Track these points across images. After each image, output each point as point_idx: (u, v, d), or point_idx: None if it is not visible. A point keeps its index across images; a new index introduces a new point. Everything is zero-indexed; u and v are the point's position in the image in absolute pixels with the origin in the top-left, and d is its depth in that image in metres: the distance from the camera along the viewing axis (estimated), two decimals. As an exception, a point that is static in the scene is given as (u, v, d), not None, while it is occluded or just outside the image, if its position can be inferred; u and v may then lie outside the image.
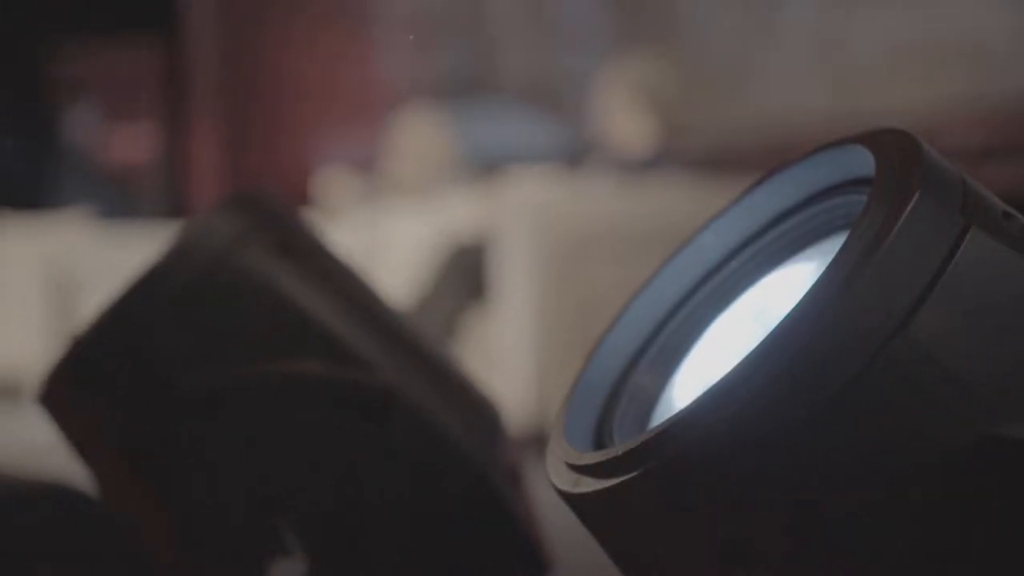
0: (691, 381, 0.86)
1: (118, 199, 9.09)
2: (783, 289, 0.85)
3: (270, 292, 1.18)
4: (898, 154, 0.77)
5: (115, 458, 1.20)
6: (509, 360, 4.15)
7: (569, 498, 0.79)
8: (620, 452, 0.76)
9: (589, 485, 0.77)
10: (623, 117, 4.63)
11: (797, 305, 0.73)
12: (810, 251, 0.85)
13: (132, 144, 9.75)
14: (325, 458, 1.16)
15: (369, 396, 1.15)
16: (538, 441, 3.96)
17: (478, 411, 1.22)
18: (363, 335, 1.19)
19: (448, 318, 4.44)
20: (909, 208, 0.73)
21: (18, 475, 1.59)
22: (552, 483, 0.81)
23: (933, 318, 0.72)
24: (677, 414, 0.74)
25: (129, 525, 1.25)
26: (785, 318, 0.73)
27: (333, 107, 8.78)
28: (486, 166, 5.57)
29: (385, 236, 5.00)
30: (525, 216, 4.18)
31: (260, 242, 1.19)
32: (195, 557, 1.19)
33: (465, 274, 4.54)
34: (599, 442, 0.85)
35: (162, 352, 1.16)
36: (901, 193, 0.74)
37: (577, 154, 5.26)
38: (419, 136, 5.57)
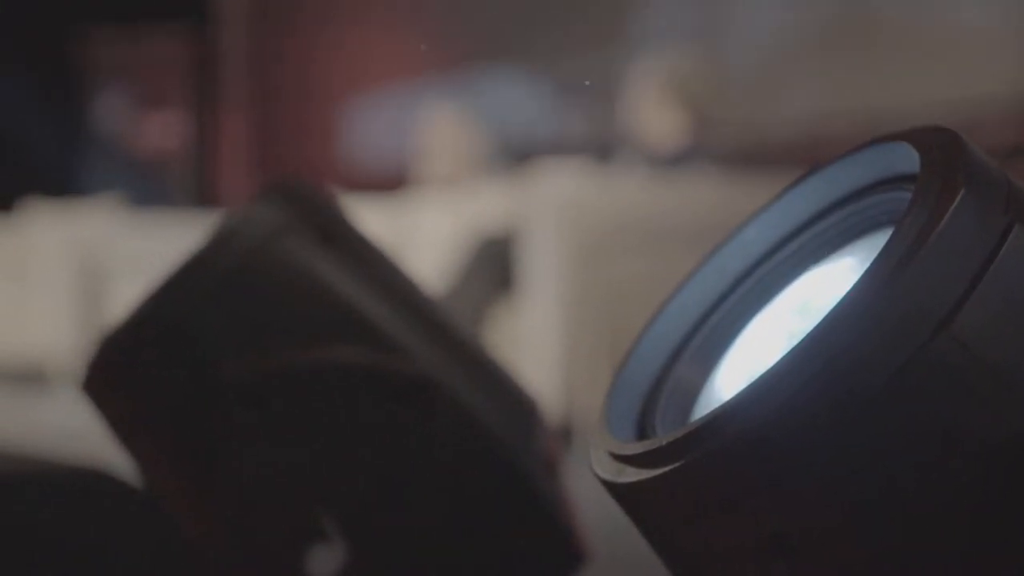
0: (734, 374, 0.87)
1: (148, 187, 9.12)
2: (826, 284, 0.86)
3: (312, 280, 1.19)
4: (942, 151, 0.78)
5: (156, 445, 1.22)
6: (536, 352, 4.16)
7: (613, 487, 0.80)
8: (665, 442, 0.76)
9: (633, 475, 0.78)
10: (654, 111, 4.64)
11: (842, 300, 0.74)
12: (853, 247, 0.86)
13: (163, 132, 9.78)
14: (365, 446, 1.17)
15: (409, 385, 1.16)
16: (565, 432, 3.97)
17: (516, 401, 1.23)
18: (403, 324, 1.20)
19: (476, 310, 4.45)
20: (954, 205, 0.74)
21: (51, 460, 1.60)
22: (595, 472, 0.82)
23: (976, 314, 0.73)
24: (722, 406, 0.75)
25: (169, 511, 1.26)
26: (830, 313, 0.74)
27: (361, 97, 8.79)
28: (513, 155, 5.57)
29: (414, 228, 5.01)
30: (553, 209, 4.19)
31: (301, 231, 1.20)
32: (235, 543, 1.20)
33: (493, 266, 4.55)
34: (641, 433, 0.86)
35: (204, 340, 1.18)
36: (946, 190, 0.75)
37: (607, 147, 5.26)
38: (448, 129, 5.58)
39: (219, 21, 9.35)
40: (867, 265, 0.76)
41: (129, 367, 1.19)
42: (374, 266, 1.24)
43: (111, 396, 1.22)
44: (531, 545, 1.21)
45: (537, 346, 4.16)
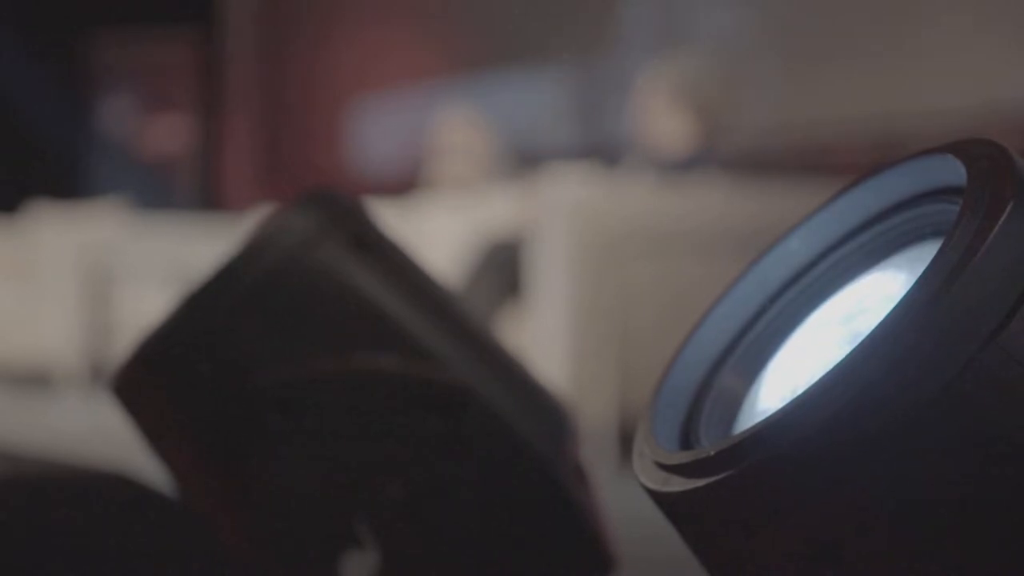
0: (777, 384, 0.87)
1: (154, 189, 9.13)
2: (870, 295, 0.86)
3: (346, 288, 1.19)
4: (990, 164, 0.78)
5: (189, 451, 1.22)
6: (544, 358, 4.16)
7: (659, 496, 0.80)
8: (712, 452, 0.77)
9: (679, 484, 0.78)
10: (663, 116, 4.64)
11: (891, 312, 0.74)
12: (897, 258, 0.86)
13: (169, 135, 9.79)
14: (398, 453, 1.17)
15: (443, 392, 1.17)
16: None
17: (547, 409, 1.23)
18: (437, 332, 1.20)
19: (484, 314, 4.45)
20: (1004, 217, 0.74)
21: (73, 464, 1.61)
22: (641, 482, 0.82)
23: (1025, 327, 0.73)
24: (770, 416, 0.75)
25: (201, 517, 1.26)
26: (879, 325, 0.74)
27: (367, 101, 8.80)
28: (522, 159, 5.58)
29: (422, 232, 5.01)
30: (562, 214, 4.19)
31: (335, 238, 1.20)
32: (268, 549, 1.20)
33: (501, 270, 4.56)
34: (685, 443, 0.86)
35: (238, 346, 1.18)
36: (994, 203, 0.75)
37: (616, 152, 5.27)
38: (457, 133, 5.58)
39: (226, 25, 9.36)
40: (912, 277, 0.76)
41: (163, 372, 1.20)
42: (406, 274, 1.24)
43: (144, 401, 1.22)
44: (562, 552, 1.22)
45: (545, 351, 4.16)
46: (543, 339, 4.19)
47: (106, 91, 9.85)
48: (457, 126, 5.61)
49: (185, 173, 9.70)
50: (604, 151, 5.71)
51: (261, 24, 9.23)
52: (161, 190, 9.25)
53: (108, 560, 1.42)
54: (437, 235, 4.99)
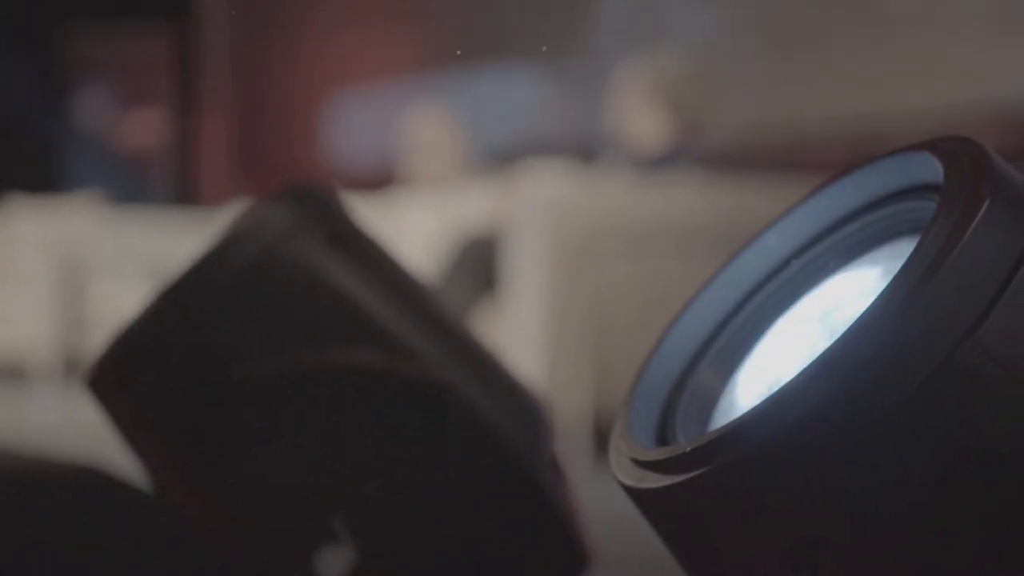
0: (753, 380, 0.87)
1: (130, 184, 9.11)
2: (847, 291, 0.86)
3: (322, 283, 1.19)
4: (967, 161, 0.78)
5: (164, 445, 1.22)
6: (519, 354, 4.16)
7: (635, 493, 0.80)
8: (688, 449, 0.77)
9: (655, 481, 0.78)
10: (640, 113, 4.64)
11: (867, 309, 0.74)
12: (874, 255, 0.86)
13: (144, 129, 9.77)
14: (374, 448, 1.17)
15: (420, 388, 1.17)
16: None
17: (524, 405, 1.23)
18: (414, 327, 1.20)
19: (460, 310, 4.45)
20: (980, 215, 0.75)
21: (43, 457, 1.60)
22: (617, 478, 0.82)
23: (1002, 324, 0.73)
24: (747, 413, 0.75)
25: (176, 511, 1.26)
26: (855, 322, 0.74)
27: (343, 97, 8.79)
28: (498, 155, 5.57)
29: (397, 228, 5.01)
30: (538, 210, 4.19)
31: (312, 233, 1.20)
32: (244, 544, 1.20)
33: (477, 267, 4.56)
34: (662, 438, 0.86)
35: (214, 341, 1.18)
36: (971, 201, 0.76)
37: (592, 148, 5.27)
38: (432, 129, 5.58)
39: (202, 19, 9.33)
40: (889, 273, 0.76)
41: (138, 368, 1.19)
42: (383, 269, 1.24)
43: (119, 396, 1.22)
44: (538, 547, 1.22)
45: (520, 348, 4.16)
46: (519, 335, 4.19)
47: (82, 85, 9.82)
48: (428, 123, 5.60)
49: (161, 167, 9.68)
50: (581, 148, 5.71)
51: (237, 19, 9.21)
52: (136, 184, 9.23)
53: (80, 554, 1.42)
54: (413, 231, 4.99)
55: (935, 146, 0.82)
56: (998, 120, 5.20)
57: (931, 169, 0.82)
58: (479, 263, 4.54)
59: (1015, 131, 5.09)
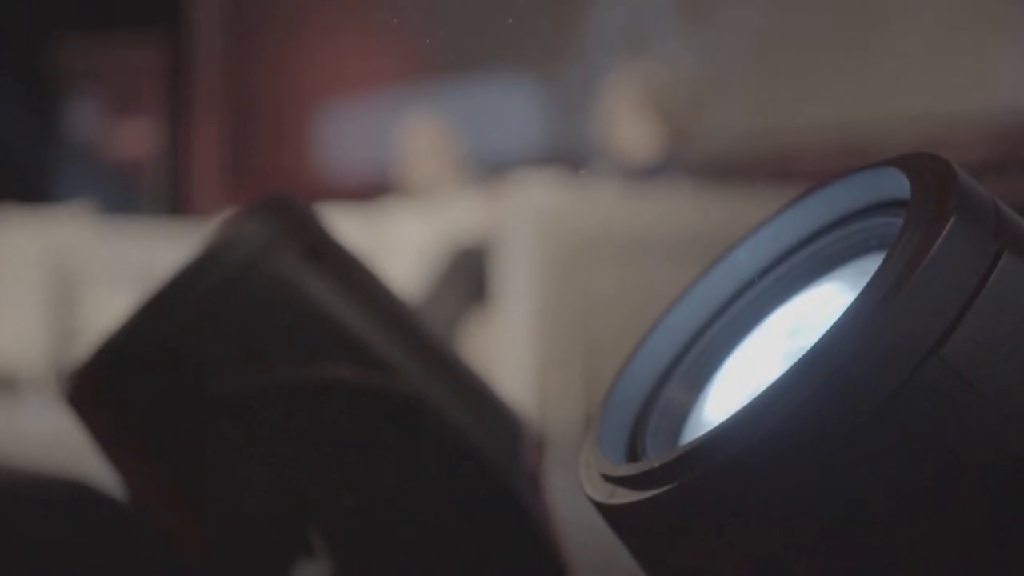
0: (723, 395, 0.88)
1: (121, 194, 9.10)
2: (816, 307, 0.86)
3: (299, 297, 1.19)
4: (934, 178, 0.79)
5: (143, 459, 1.22)
6: (509, 363, 4.16)
7: (604, 509, 0.80)
8: (657, 464, 0.77)
9: (624, 496, 0.79)
10: (629, 123, 4.64)
11: (834, 325, 0.74)
12: (843, 271, 0.87)
13: (136, 139, 9.77)
14: (352, 462, 1.17)
15: (396, 401, 1.17)
16: (538, 443, 3.97)
17: (501, 417, 1.24)
18: (391, 341, 1.20)
19: (449, 320, 4.45)
20: (945, 232, 0.75)
21: (26, 470, 1.60)
22: (586, 494, 0.82)
23: (967, 339, 0.73)
24: (715, 428, 0.76)
25: (154, 525, 1.26)
26: (821, 337, 0.74)
27: (335, 106, 8.79)
28: (488, 165, 5.58)
29: (388, 237, 5.01)
30: (528, 220, 4.20)
31: (290, 247, 1.20)
32: (222, 557, 1.20)
33: (467, 277, 4.56)
34: (632, 454, 0.86)
35: (191, 354, 1.18)
36: (937, 217, 0.76)
37: (582, 158, 5.28)
38: (424, 138, 5.58)
39: (193, 28, 9.34)
40: (857, 289, 0.77)
41: (116, 381, 1.19)
42: (361, 283, 1.24)
43: (97, 409, 1.22)
44: (516, 561, 1.22)
45: (510, 357, 4.17)
46: (508, 344, 4.19)
47: (72, 95, 9.82)
48: (423, 132, 5.61)
49: (152, 177, 9.67)
50: (570, 157, 5.71)
51: (228, 28, 9.21)
52: (127, 194, 9.22)
53: (61, 567, 1.42)
54: (404, 240, 4.99)
55: (903, 162, 0.82)
56: (987, 129, 5.21)
57: (900, 185, 0.82)
58: (469, 272, 4.54)
59: (1004, 140, 5.10)
